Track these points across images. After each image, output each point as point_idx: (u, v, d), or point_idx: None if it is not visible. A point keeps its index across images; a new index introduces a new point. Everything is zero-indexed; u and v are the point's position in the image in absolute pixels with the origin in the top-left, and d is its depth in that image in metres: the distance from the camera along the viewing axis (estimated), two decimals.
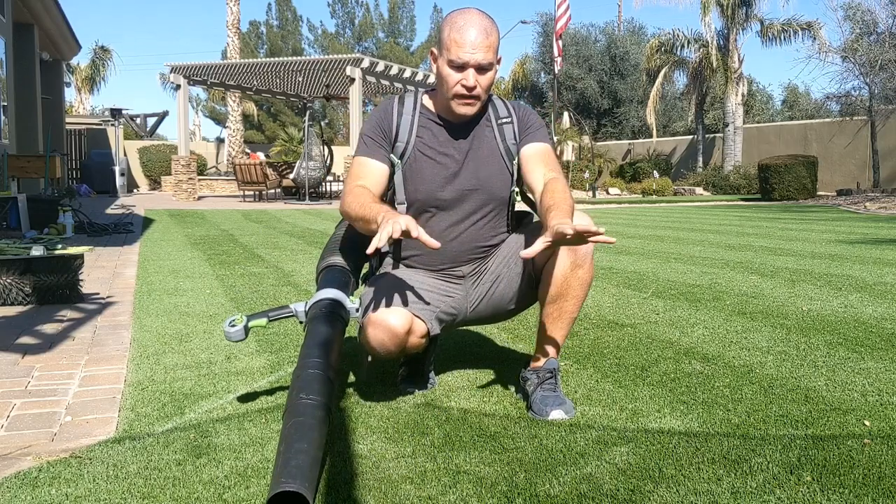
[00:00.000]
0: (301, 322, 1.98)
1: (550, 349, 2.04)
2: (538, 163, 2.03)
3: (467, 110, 1.98)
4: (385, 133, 2.06)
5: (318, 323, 1.87)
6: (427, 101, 2.10)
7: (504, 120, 2.08)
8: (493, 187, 2.06)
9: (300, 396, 1.59)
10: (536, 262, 2.01)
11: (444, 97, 1.99)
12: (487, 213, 2.08)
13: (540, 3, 68.67)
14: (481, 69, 1.93)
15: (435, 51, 2.00)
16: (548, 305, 2.00)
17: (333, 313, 1.92)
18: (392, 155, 2.06)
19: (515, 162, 2.08)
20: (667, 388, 2.21)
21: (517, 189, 2.12)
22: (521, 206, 2.19)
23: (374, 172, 2.03)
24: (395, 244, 2.13)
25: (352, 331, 2.18)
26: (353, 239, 2.19)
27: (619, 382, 2.28)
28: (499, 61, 2.00)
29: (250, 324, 1.99)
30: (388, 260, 2.17)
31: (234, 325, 1.98)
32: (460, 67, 1.92)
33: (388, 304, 1.92)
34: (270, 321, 2.01)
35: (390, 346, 1.91)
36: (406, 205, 2.07)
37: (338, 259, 2.13)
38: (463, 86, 1.93)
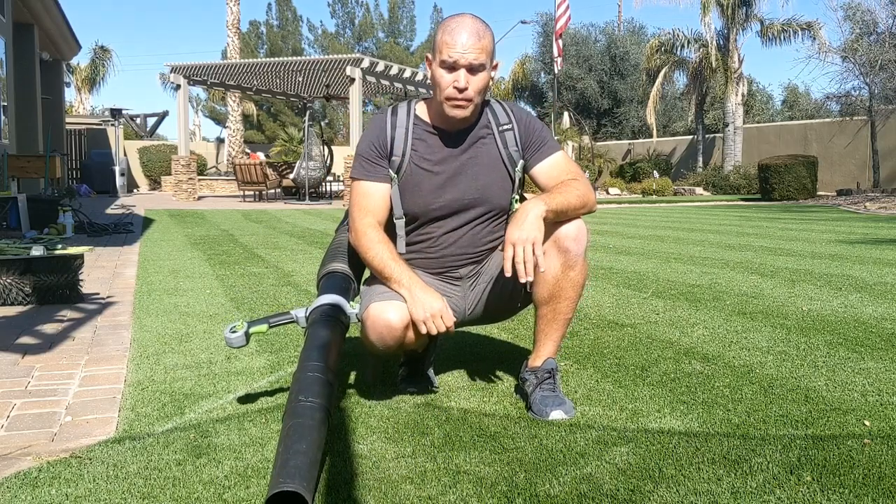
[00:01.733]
0: (302, 328, 1.99)
1: (547, 349, 2.04)
2: (557, 179, 2.04)
3: (459, 112, 1.96)
4: (381, 150, 2.04)
5: (318, 326, 1.88)
6: (421, 111, 2.08)
7: (505, 126, 2.07)
8: (493, 195, 2.06)
9: (300, 398, 1.60)
10: None
11: (438, 101, 1.97)
12: (486, 220, 2.08)
13: (540, 3, 68.73)
14: (473, 70, 1.91)
15: (430, 56, 1.99)
16: (542, 307, 2.00)
17: (333, 317, 1.92)
18: (389, 170, 2.05)
19: (518, 168, 2.07)
20: (667, 388, 2.21)
21: (517, 196, 2.12)
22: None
23: (377, 198, 2.04)
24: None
25: (353, 332, 2.18)
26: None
27: (619, 382, 2.28)
28: (495, 67, 1.99)
29: (251, 330, 1.99)
30: None
31: (234, 332, 1.98)
32: (451, 68, 1.91)
33: (387, 300, 1.92)
34: (271, 327, 2.01)
35: (389, 341, 1.91)
36: (404, 219, 2.06)
37: (339, 265, 2.13)
38: (455, 87, 1.91)
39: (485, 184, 2.04)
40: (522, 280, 1.80)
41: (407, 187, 2.03)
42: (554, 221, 1.91)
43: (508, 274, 1.82)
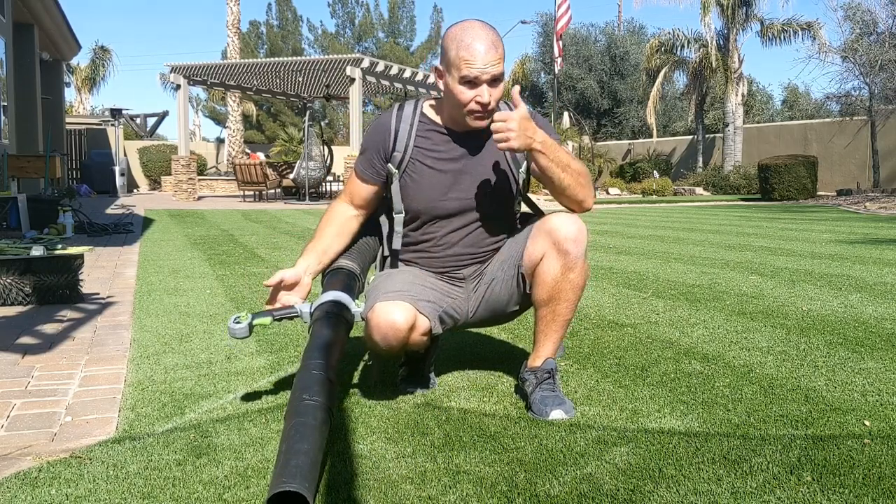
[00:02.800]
0: (306, 323, 1.98)
1: (547, 350, 2.04)
2: None
3: (482, 124, 1.96)
4: (380, 146, 2.06)
5: (322, 325, 1.87)
6: (428, 110, 2.08)
7: None
8: (496, 196, 2.06)
9: (302, 397, 1.60)
10: (527, 264, 2.01)
11: (457, 112, 1.97)
12: (489, 221, 2.08)
13: (540, 3, 68.76)
14: (494, 81, 1.91)
15: (440, 67, 1.96)
16: (541, 308, 2.00)
17: (338, 315, 1.92)
18: (389, 164, 2.06)
19: (522, 170, 2.07)
20: (667, 388, 2.21)
21: (520, 198, 2.11)
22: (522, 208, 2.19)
23: (360, 189, 2.14)
24: (394, 248, 2.14)
25: (355, 332, 2.18)
26: (360, 242, 2.19)
27: (619, 382, 2.28)
28: None
29: (255, 322, 1.99)
30: (391, 261, 2.18)
31: (238, 322, 1.97)
32: (472, 84, 1.89)
33: (392, 300, 1.92)
34: (275, 320, 2.01)
35: (393, 342, 1.91)
36: (404, 214, 2.07)
37: (344, 262, 2.13)
38: (478, 102, 1.90)
39: (488, 184, 2.04)
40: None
41: (410, 183, 2.04)
42: (540, 173, 1.95)
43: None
